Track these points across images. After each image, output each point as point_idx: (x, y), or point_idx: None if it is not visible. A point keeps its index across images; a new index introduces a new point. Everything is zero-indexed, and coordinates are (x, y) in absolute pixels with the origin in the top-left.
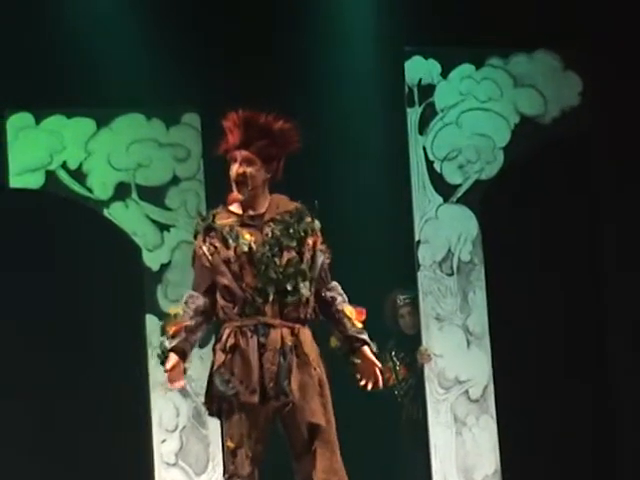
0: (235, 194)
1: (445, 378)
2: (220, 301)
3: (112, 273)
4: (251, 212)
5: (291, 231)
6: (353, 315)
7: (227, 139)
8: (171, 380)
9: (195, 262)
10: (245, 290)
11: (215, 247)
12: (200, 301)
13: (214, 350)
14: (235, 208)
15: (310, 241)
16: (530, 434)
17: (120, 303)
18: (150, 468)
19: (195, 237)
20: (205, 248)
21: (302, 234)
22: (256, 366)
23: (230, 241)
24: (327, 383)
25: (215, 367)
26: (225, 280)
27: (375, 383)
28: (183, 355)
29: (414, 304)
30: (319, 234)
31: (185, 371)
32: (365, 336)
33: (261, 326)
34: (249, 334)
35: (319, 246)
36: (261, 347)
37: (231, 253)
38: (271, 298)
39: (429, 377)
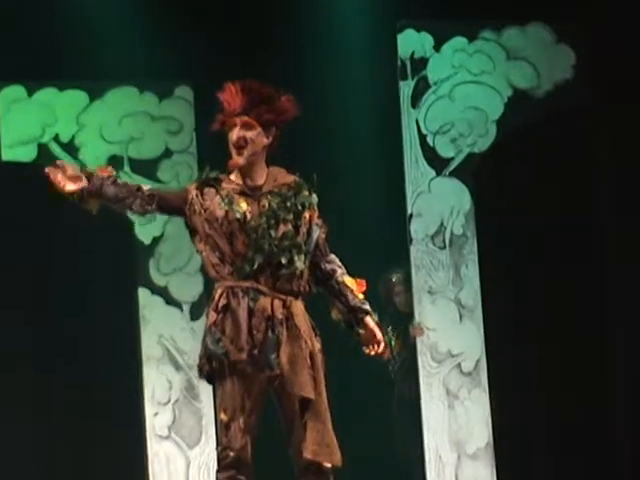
0: (236, 159)
1: (437, 351)
2: (210, 258)
3: (104, 246)
4: (249, 183)
5: (288, 204)
6: (354, 286)
7: (225, 109)
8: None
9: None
10: (235, 255)
11: (207, 201)
12: (146, 188)
13: (207, 310)
14: (235, 177)
15: (307, 215)
16: (522, 407)
17: (112, 276)
18: (143, 441)
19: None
20: (197, 192)
21: (299, 208)
22: (245, 328)
23: (223, 204)
24: (320, 355)
25: (207, 326)
26: (216, 236)
27: (379, 350)
28: (89, 178)
29: (408, 281)
30: (316, 208)
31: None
32: (367, 307)
33: (252, 290)
34: (241, 295)
35: (315, 220)
36: (250, 311)
37: (221, 214)
38: (258, 267)
39: (422, 351)
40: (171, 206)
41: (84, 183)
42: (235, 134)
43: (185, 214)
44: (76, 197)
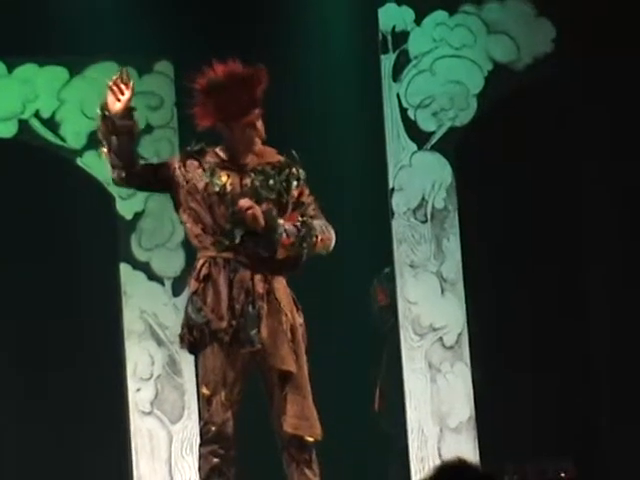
0: (259, 146)
1: (420, 325)
2: (193, 228)
3: (86, 222)
4: (236, 159)
5: (271, 182)
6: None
7: (237, 105)
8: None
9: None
10: (216, 226)
11: (190, 173)
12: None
13: (189, 280)
14: (221, 151)
15: (295, 192)
16: (505, 381)
17: (94, 252)
18: (125, 416)
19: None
20: (180, 164)
21: (283, 185)
22: (226, 297)
23: (205, 176)
24: (301, 329)
25: (189, 296)
26: (198, 207)
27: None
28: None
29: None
30: (305, 185)
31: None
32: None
33: (233, 262)
34: (222, 265)
35: (304, 197)
36: (230, 282)
37: (202, 186)
38: (239, 240)
39: (403, 325)
40: (155, 176)
41: (127, 118)
42: (260, 126)
43: (169, 185)
44: (108, 116)
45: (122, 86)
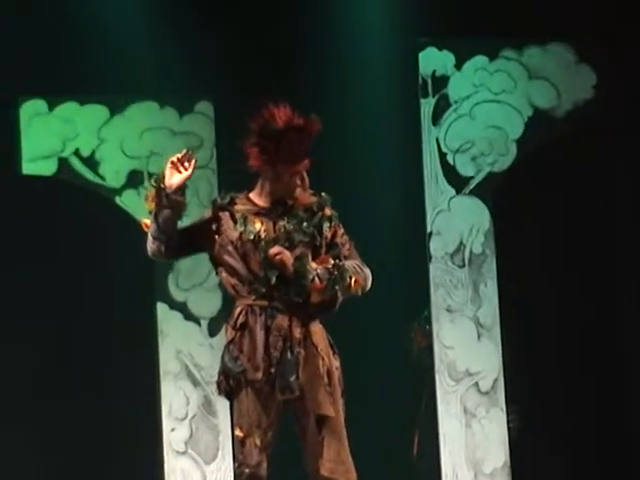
0: (300, 194)
1: (455, 370)
2: (229, 279)
3: (123, 261)
4: (270, 203)
5: (304, 225)
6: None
7: (284, 155)
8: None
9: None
10: (251, 275)
11: (222, 227)
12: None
13: (226, 327)
14: (255, 196)
15: (328, 234)
16: (540, 427)
17: (131, 291)
18: (160, 456)
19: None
20: (212, 219)
21: (316, 228)
22: (262, 346)
23: (238, 225)
24: (337, 373)
25: (226, 344)
26: (231, 259)
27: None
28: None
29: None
30: (338, 225)
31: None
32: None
33: (270, 309)
34: (258, 312)
35: (338, 238)
36: (267, 329)
37: (236, 235)
38: (273, 285)
39: (439, 369)
40: (191, 244)
41: (180, 194)
42: (305, 176)
43: (205, 245)
44: (162, 189)
45: (185, 163)
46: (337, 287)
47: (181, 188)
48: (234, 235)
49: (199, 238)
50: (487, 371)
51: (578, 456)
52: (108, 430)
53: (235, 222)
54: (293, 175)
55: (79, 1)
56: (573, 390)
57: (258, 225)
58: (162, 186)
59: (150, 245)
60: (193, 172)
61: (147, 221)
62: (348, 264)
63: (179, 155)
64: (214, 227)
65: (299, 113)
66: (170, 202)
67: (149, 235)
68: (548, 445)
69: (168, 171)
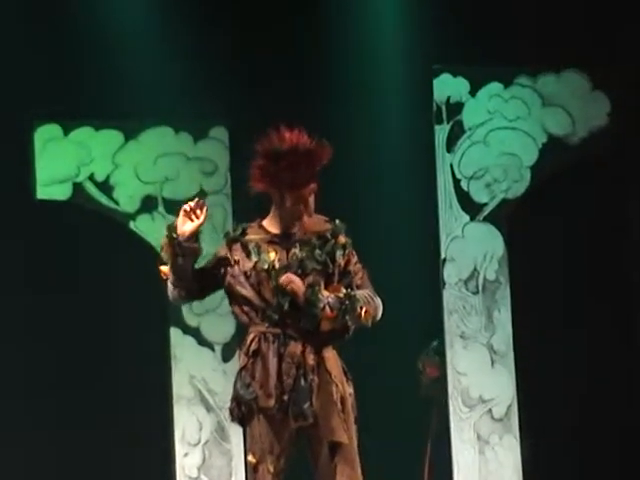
0: (306, 219)
1: (469, 396)
2: (242, 308)
3: (137, 286)
4: (282, 231)
5: (316, 252)
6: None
7: (288, 178)
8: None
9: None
10: (264, 303)
11: (236, 259)
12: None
13: (239, 353)
14: (268, 224)
15: (341, 262)
16: (554, 454)
17: (145, 316)
18: None
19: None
20: (227, 253)
21: (329, 255)
22: (274, 373)
23: (252, 255)
24: (350, 399)
25: (238, 370)
26: (244, 291)
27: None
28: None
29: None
30: (352, 253)
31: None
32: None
33: (283, 336)
34: (271, 339)
35: (351, 266)
36: (280, 356)
37: (250, 265)
38: (286, 313)
39: (453, 395)
40: (209, 285)
41: (193, 241)
42: (311, 201)
43: (223, 282)
44: (175, 237)
45: (197, 211)
46: (347, 317)
47: (194, 235)
48: (248, 265)
49: (217, 277)
50: (500, 398)
51: None
52: (121, 455)
53: (249, 253)
54: (297, 200)
55: (95, 28)
56: (588, 417)
57: (272, 255)
58: (174, 235)
59: (171, 292)
60: (205, 219)
61: (164, 269)
62: (359, 294)
63: (191, 203)
64: (229, 262)
65: (313, 138)
66: (184, 250)
67: (169, 283)
68: (562, 473)
69: (180, 219)
